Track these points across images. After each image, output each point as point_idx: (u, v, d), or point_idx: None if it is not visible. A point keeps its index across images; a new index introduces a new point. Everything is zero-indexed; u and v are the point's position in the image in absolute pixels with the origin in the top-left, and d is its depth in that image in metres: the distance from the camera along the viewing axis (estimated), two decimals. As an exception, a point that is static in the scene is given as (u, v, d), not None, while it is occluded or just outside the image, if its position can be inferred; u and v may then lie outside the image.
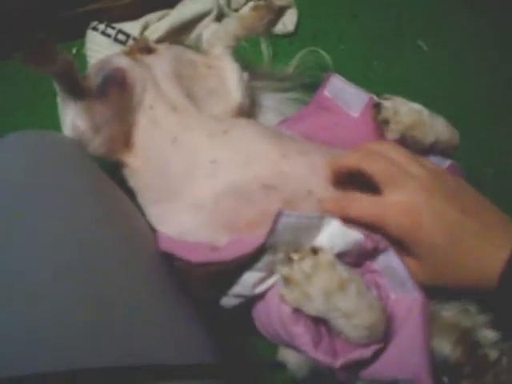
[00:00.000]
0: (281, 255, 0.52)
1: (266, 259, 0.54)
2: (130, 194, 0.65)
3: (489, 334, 0.53)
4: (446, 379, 0.51)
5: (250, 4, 0.87)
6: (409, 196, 0.51)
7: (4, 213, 0.49)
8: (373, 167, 0.53)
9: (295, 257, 0.51)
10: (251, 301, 0.59)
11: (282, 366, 0.61)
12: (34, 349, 0.41)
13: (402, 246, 0.53)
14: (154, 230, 0.63)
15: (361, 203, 0.54)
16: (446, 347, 0.52)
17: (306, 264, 0.50)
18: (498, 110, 0.88)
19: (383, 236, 0.53)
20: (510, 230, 0.50)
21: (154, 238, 0.61)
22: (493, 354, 0.52)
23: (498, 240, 0.49)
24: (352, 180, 0.56)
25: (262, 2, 0.69)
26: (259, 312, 0.59)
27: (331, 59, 0.84)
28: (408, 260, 0.53)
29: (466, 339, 0.52)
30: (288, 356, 0.61)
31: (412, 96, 0.63)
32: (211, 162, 0.59)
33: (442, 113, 0.63)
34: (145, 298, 0.53)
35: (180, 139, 0.62)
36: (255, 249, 0.52)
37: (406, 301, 0.53)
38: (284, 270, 0.51)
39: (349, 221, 0.54)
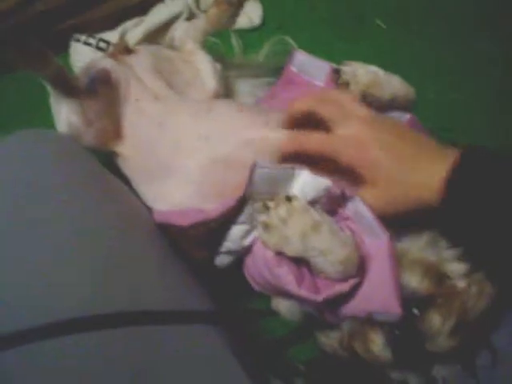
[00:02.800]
0: (258, 204, 0.58)
1: (247, 211, 0.59)
2: (126, 181, 0.71)
3: (456, 267, 0.59)
4: (415, 310, 0.56)
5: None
6: (353, 130, 0.58)
7: (10, 207, 0.53)
8: (324, 109, 0.61)
9: (271, 204, 0.57)
10: (241, 261, 0.65)
11: (275, 313, 0.66)
12: (47, 298, 0.48)
13: (355, 178, 0.59)
14: (149, 209, 0.68)
15: (316, 138, 0.60)
16: (413, 280, 0.57)
17: (282, 210, 0.56)
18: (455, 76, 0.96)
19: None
20: (445, 151, 0.56)
21: (151, 215, 0.67)
22: (460, 284, 0.57)
23: (436, 159, 0.55)
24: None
25: (222, -2, 0.76)
26: (249, 266, 0.65)
27: (297, 45, 0.91)
28: (363, 190, 0.59)
29: (433, 272, 0.57)
30: (280, 305, 0.66)
31: None
32: (198, 137, 0.65)
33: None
34: (144, 257, 0.59)
35: (166, 122, 0.68)
36: (236, 202, 0.58)
37: (376, 243, 0.58)
38: (262, 216, 0.57)
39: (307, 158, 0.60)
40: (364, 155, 0.57)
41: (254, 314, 0.74)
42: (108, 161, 0.72)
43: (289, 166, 0.59)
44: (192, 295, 0.62)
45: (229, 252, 0.64)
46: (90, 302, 0.49)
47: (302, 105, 0.63)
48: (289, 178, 0.59)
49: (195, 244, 0.65)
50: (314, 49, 0.92)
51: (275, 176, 0.58)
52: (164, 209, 0.66)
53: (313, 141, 0.60)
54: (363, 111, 0.61)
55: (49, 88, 0.69)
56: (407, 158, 0.56)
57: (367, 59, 0.92)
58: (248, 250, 0.63)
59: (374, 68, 0.68)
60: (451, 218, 0.56)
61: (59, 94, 0.68)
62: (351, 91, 0.66)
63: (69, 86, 0.68)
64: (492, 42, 0.98)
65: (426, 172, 0.55)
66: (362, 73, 0.66)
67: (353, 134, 0.58)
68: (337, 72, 0.68)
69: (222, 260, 0.65)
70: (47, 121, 0.74)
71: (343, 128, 0.59)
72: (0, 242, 0.51)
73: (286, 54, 0.88)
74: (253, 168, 0.57)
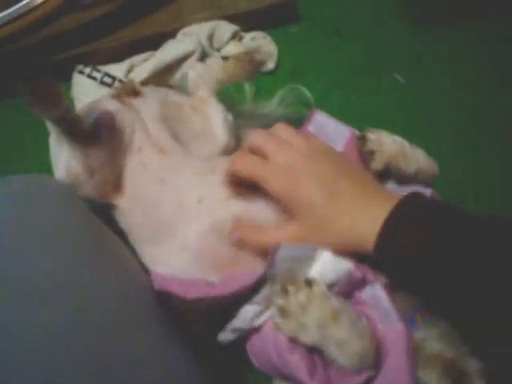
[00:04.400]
0: (277, 287, 0.54)
1: (264, 292, 0.55)
2: (122, 235, 0.66)
3: (474, 364, 0.54)
4: None
5: (233, 44, 0.90)
6: (288, 160, 0.56)
7: None
8: (259, 141, 0.60)
9: (291, 289, 0.53)
10: (245, 335, 0.60)
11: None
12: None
13: (284, 210, 0.58)
14: (147, 271, 0.64)
15: (250, 163, 0.58)
16: (432, 379, 0.53)
17: (301, 296, 0.52)
18: (472, 143, 0.92)
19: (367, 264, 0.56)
20: (384, 196, 0.54)
21: (148, 279, 0.62)
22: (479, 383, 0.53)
23: (373, 205, 0.53)
24: None
25: (243, 55, 0.72)
26: (254, 344, 0.60)
27: (311, 94, 0.87)
28: (291, 225, 0.57)
29: (452, 369, 0.54)
30: (282, 386, 0.62)
31: (389, 128, 0.66)
32: (198, 201, 0.61)
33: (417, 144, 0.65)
34: (142, 344, 0.54)
35: (167, 180, 0.63)
36: (254, 281, 0.54)
37: (391, 332, 0.54)
38: (280, 301, 0.53)
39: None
40: (294, 188, 0.55)
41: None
42: (103, 209, 0.67)
43: (310, 246, 0.55)
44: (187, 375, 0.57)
45: (235, 330, 0.59)
46: None
47: (250, 138, 0.61)
48: (310, 258, 0.55)
49: (196, 318, 0.60)
50: (328, 98, 0.90)
51: (297, 257, 0.55)
52: (163, 272, 0.62)
53: (247, 168, 0.58)
54: (304, 143, 0.59)
55: (49, 126, 0.64)
56: (343, 199, 0.55)
57: (382, 114, 0.91)
58: (254, 328, 0.59)
59: (399, 139, 0.65)
60: (388, 266, 0.54)
61: (61, 137, 0.63)
62: (375, 160, 0.62)
63: (72, 129, 0.63)
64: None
65: (363, 219, 0.53)
66: (388, 142, 0.63)
67: (286, 164, 0.56)
68: (362, 138, 0.64)
69: (225, 337, 0.60)
70: (46, 155, 0.70)
71: (278, 159, 0.57)
72: None
73: (299, 104, 0.85)
74: (275, 249, 0.53)
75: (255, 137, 0.60)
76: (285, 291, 0.53)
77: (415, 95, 0.94)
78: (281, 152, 0.58)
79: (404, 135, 0.65)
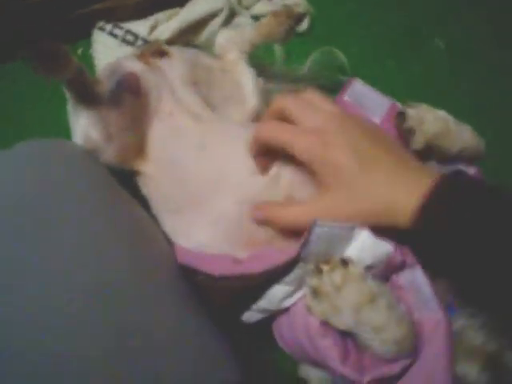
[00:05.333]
0: (310, 266, 0.51)
1: (297, 272, 0.52)
2: (144, 201, 0.63)
3: None
4: None
5: (263, 2, 0.85)
6: (318, 124, 0.52)
7: (13, 232, 0.46)
8: (290, 105, 0.55)
9: (325, 268, 0.49)
10: (272, 315, 0.58)
11: (303, 382, 0.60)
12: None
13: (313, 177, 0.53)
14: (170, 242, 0.61)
15: (274, 127, 0.55)
16: (472, 372, 0.50)
17: (336, 276, 0.49)
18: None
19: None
20: (424, 171, 0.50)
21: (172, 252, 0.59)
22: None
23: (411, 178, 0.49)
24: None
25: (281, 9, 0.66)
26: (281, 326, 0.57)
27: (346, 59, 0.82)
28: (323, 194, 0.52)
29: (493, 363, 0.51)
30: (309, 372, 0.59)
31: (430, 99, 0.61)
32: (246, 171, 0.57)
33: (458, 112, 0.61)
34: (164, 319, 0.51)
35: (208, 147, 0.59)
36: (286, 261, 0.51)
37: (430, 320, 0.51)
38: (313, 281, 0.50)
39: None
40: (323, 149, 0.50)
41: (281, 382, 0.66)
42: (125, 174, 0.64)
43: (348, 224, 0.51)
44: (222, 361, 0.55)
45: (262, 310, 0.56)
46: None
47: (277, 102, 0.57)
48: (347, 238, 0.51)
49: (222, 296, 0.57)
50: (362, 65, 0.86)
51: (333, 235, 0.51)
52: (186, 245, 0.59)
53: (270, 131, 0.54)
54: (336, 109, 0.55)
55: (66, 92, 0.60)
56: (378, 170, 0.50)
57: (419, 83, 0.85)
58: (283, 309, 0.56)
59: (443, 114, 0.60)
60: (425, 244, 0.50)
61: (78, 102, 0.59)
62: (416, 139, 0.58)
63: (89, 93, 0.60)
64: None
65: (400, 191, 0.49)
66: (430, 120, 0.58)
67: (317, 125, 0.52)
68: (400, 114, 0.59)
69: (251, 317, 0.58)
70: (60, 117, 0.66)
71: (308, 121, 0.53)
72: None
73: (333, 69, 0.80)
74: (311, 226, 0.49)
75: (281, 101, 0.56)
76: (318, 271, 0.50)
77: (457, 61, 0.88)
78: (310, 116, 0.53)
79: (446, 106, 0.60)
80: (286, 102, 0.55)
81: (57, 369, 0.41)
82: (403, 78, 0.86)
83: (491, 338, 0.52)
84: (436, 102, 0.60)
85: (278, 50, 0.82)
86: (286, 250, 0.52)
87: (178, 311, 0.54)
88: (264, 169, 0.57)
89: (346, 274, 0.49)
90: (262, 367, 0.67)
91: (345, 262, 0.49)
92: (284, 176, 0.56)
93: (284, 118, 0.55)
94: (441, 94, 0.80)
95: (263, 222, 0.55)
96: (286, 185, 0.56)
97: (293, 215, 0.53)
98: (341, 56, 0.82)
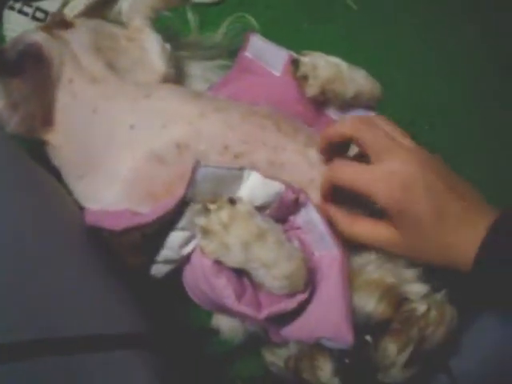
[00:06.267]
0: (198, 206, 0.51)
1: (188, 215, 0.53)
2: (55, 172, 0.63)
3: (416, 288, 0.54)
4: (369, 338, 0.51)
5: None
6: (403, 166, 0.49)
7: None
8: (367, 136, 0.51)
9: (212, 207, 0.50)
10: (181, 270, 0.59)
11: (215, 332, 0.61)
12: None
13: (386, 216, 0.51)
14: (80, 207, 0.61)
15: (353, 169, 0.52)
16: (368, 304, 0.52)
17: (224, 214, 0.49)
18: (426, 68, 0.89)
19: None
20: (487, 213, 0.48)
21: (81, 215, 0.59)
22: (420, 308, 0.52)
23: (478, 223, 0.47)
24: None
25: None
26: (187, 276, 0.58)
27: (259, 25, 0.84)
28: (391, 230, 0.51)
29: (392, 294, 0.52)
30: (221, 322, 0.60)
31: (343, 57, 0.62)
32: (130, 128, 0.58)
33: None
34: (68, 270, 0.52)
35: (100, 109, 0.60)
36: (175, 205, 0.52)
37: (326, 257, 0.53)
38: (201, 220, 0.50)
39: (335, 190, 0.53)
40: (406, 201, 0.48)
41: (192, 332, 0.67)
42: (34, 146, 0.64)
43: (237, 166, 0.52)
44: (119, 314, 0.55)
45: (166, 261, 0.57)
46: None
47: (343, 128, 0.53)
48: (236, 180, 0.53)
49: (128, 250, 0.58)
50: (277, 29, 0.87)
51: (221, 176, 0.52)
52: (95, 208, 0.59)
53: (349, 174, 0.52)
54: (413, 145, 0.52)
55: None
56: (451, 218, 0.48)
57: (334, 43, 0.88)
58: (188, 258, 0.57)
59: (336, 60, 0.61)
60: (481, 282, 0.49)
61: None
62: (310, 85, 0.59)
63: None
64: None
65: (466, 235, 0.47)
66: (322, 65, 0.60)
67: (400, 171, 0.49)
68: (294, 62, 0.61)
69: (158, 269, 0.58)
70: None
71: (389, 162, 0.50)
72: None
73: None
74: (195, 166, 0.50)
75: (354, 127, 0.52)
76: (206, 210, 0.50)
77: (368, 22, 0.90)
78: (391, 154, 0.50)
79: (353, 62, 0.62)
80: (362, 131, 0.52)
81: None
82: (316, 38, 0.87)
83: (389, 271, 0.54)
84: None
85: (192, 18, 0.83)
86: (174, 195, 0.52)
87: (78, 271, 0.54)
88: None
89: (234, 211, 0.49)
90: (173, 319, 0.68)
91: (232, 201, 0.50)
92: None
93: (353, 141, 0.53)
94: (350, 51, 0.82)
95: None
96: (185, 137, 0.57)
97: (363, 233, 0.53)
98: (252, 21, 0.83)
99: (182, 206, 0.52)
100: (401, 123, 0.55)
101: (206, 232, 0.50)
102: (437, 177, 0.49)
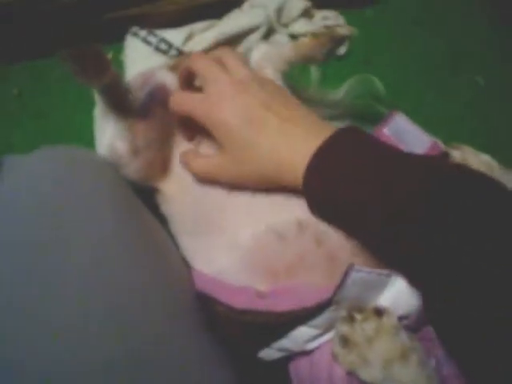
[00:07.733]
0: (343, 313, 0.48)
1: (326, 315, 0.49)
2: (162, 219, 0.61)
3: None
4: None
5: (302, 21, 0.82)
6: (217, 88, 0.54)
7: (27, 244, 0.44)
8: (198, 66, 0.56)
9: (358, 317, 0.47)
10: (291, 354, 0.54)
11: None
12: None
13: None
14: (187, 264, 0.58)
15: (182, 97, 0.57)
16: None
17: (369, 326, 0.46)
18: None
19: None
20: (316, 129, 0.51)
21: (190, 277, 0.56)
22: None
23: (299, 136, 0.50)
24: None
25: (323, 30, 0.63)
26: (301, 367, 0.54)
27: (383, 87, 0.79)
28: (221, 156, 0.54)
29: None
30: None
31: (468, 139, 0.59)
32: (252, 195, 0.55)
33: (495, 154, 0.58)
34: (173, 347, 0.49)
35: None
36: (319, 303, 0.48)
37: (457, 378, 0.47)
38: (344, 329, 0.47)
39: None
40: (214, 112, 0.53)
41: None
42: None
43: (385, 271, 0.48)
44: None
45: (282, 349, 0.53)
46: None
47: (187, 62, 0.58)
48: (381, 285, 0.49)
49: (240, 331, 0.54)
50: (399, 94, 0.82)
51: (369, 281, 0.48)
52: (203, 269, 0.56)
53: (179, 100, 0.57)
54: (241, 73, 0.55)
55: (96, 97, 0.57)
56: (264, 127, 0.51)
57: (458, 118, 0.82)
58: (307, 352, 0.52)
59: (487, 158, 0.57)
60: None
61: (108, 110, 0.57)
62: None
63: (121, 102, 0.57)
64: None
65: (285, 146, 0.50)
66: (474, 163, 0.55)
67: (214, 90, 0.54)
68: (444, 156, 0.56)
69: (269, 354, 0.54)
70: (84, 123, 0.65)
71: (209, 87, 0.55)
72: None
73: (369, 97, 0.78)
74: (348, 271, 0.47)
75: (195, 61, 0.57)
76: (351, 319, 0.47)
77: (495, 100, 0.85)
78: (214, 81, 0.54)
79: (487, 149, 0.58)
80: (197, 62, 0.57)
81: None
82: (440, 112, 0.82)
83: None
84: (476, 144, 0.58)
85: (315, 71, 0.79)
86: (314, 288, 0.49)
87: (186, 341, 0.52)
88: (189, 137, 0.60)
89: (380, 324, 0.46)
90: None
91: (379, 312, 0.47)
92: None
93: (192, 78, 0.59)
94: (479, 134, 0.76)
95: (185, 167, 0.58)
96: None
97: (197, 166, 0.56)
98: (378, 85, 0.79)
99: (324, 305, 0.48)
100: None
101: (346, 341, 0.46)
102: (251, 96, 0.53)
